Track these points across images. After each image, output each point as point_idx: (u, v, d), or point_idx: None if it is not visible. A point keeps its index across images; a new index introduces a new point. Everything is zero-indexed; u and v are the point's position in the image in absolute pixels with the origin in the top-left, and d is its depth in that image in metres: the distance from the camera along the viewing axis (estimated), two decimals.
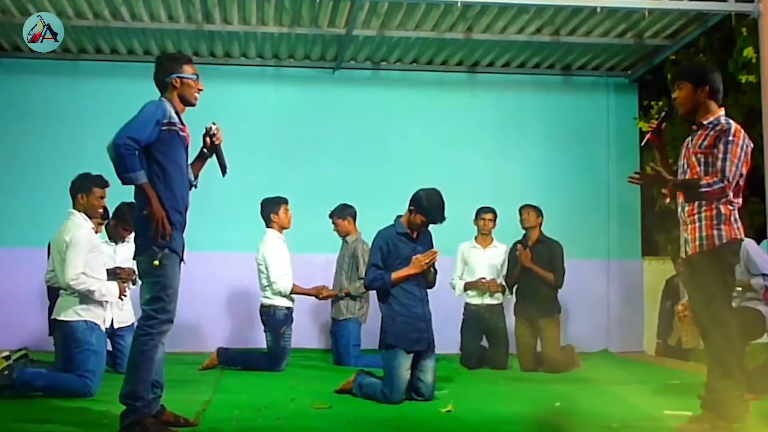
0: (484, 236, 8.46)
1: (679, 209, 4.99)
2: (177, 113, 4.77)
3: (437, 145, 9.84)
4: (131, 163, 4.50)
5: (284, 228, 7.93)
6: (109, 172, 6.17)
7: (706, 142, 4.80)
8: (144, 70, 9.52)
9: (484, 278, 8.28)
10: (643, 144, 5.18)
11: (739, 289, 6.09)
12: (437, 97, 10.13)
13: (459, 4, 8.09)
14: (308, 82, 10.03)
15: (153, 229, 4.51)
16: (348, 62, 9.99)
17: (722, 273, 4.79)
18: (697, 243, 4.83)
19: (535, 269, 8.07)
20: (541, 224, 8.27)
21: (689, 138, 4.98)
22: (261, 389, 6.45)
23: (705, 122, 4.87)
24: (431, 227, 6.31)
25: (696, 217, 4.85)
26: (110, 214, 7.17)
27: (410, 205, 6.18)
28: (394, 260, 6.17)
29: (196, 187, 5.02)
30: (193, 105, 4.87)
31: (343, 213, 8.38)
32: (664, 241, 10.73)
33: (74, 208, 6.17)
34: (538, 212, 8.27)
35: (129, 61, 9.73)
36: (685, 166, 4.94)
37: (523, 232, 8.32)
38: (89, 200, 6.20)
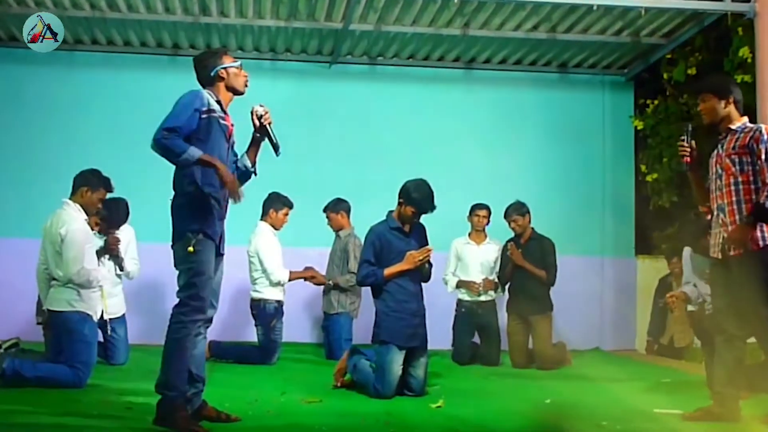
0: (478, 233, 8.45)
1: (716, 210, 5.14)
2: (219, 102, 4.72)
3: (433, 141, 9.82)
4: (175, 146, 4.42)
5: (275, 228, 7.93)
6: (91, 166, 6.28)
7: (738, 143, 5.06)
8: (140, 61, 9.71)
9: (475, 282, 8.27)
10: (686, 170, 5.35)
11: None
12: (433, 92, 10.11)
13: (456, 0, 8.07)
14: (305, 76, 10.02)
15: (229, 192, 4.57)
16: (345, 57, 9.98)
17: None
18: None
19: (528, 267, 8.07)
20: (529, 222, 8.26)
21: (717, 146, 5.18)
22: (252, 382, 6.47)
23: (733, 127, 5.13)
24: (426, 222, 6.31)
25: (737, 217, 4.98)
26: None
27: (399, 197, 6.19)
28: (388, 255, 6.16)
29: (255, 174, 5.01)
30: (242, 93, 4.86)
31: (337, 207, 8.39)
32: (658, 240, 10.74)
33: (71, 198, 6.15)
34: (524, 213, 8.21)
35: (125, 52, 9.72)
36: (719, 171, 5.12)
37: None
38: (92, 197, 6.20)
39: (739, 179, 4.99)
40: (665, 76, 10.03)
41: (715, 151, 5.18)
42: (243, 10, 8.79)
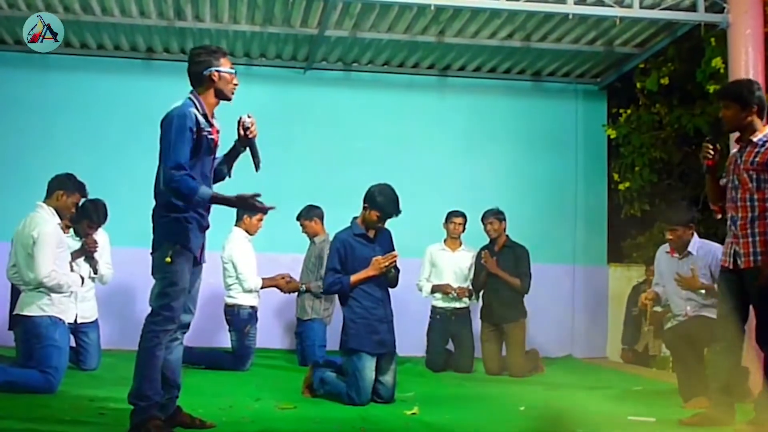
0: (453, 240, 8.46)
1: (729, 221, 5.14)
2: (204, 113, 4.61)
3: (407, 148, 9.83)
4: (187, 188, 4.40)
5: (250, 233, 7.90)
6: (64, 169, 6.25)
7: (758, 159, 5.00)
8: (114, 65, 9.62)
9: (450, 285, 8.29)
10: (704, 171, 5.29)
11: (703, 292, 6.12)
12: (408, 99, 10.14)
13: (432, 7, 8.07)
14: (279, 82, 9.98)
15: (256, 207, 4.74)
16: (319, 63, 9.97)
17: None
18: (752, 258, 4.98)
19: (502, 275, 8.09)
20: (505, 229, 8.29)
21: (736, 153, 5.15)
22: (225, 389, 6.42)
23: (755, 139, 5.06)
24: (401, 228, 6.29)
25: (749, 231, 5.00)
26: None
27: (364, 202, 6.14)
28: (353, 262, 6.11)
29: (230, 176, 4.95)
30: (229, 99, 4.74)
31: (309, 214, 8.36)
32: (629, 248, 10.82)
33: (45, 202, 6.09)
34: (501, 218, 8.26)
35: (99, 55, 9.66)
36: (736, 182, 5.10)
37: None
38: (66, 201, 6.14)
39: (755, 196, 4.98)
40: (638, 85, 10.13)
41: (735, 158, 5.15)
42: (218, 14, 8.76)
